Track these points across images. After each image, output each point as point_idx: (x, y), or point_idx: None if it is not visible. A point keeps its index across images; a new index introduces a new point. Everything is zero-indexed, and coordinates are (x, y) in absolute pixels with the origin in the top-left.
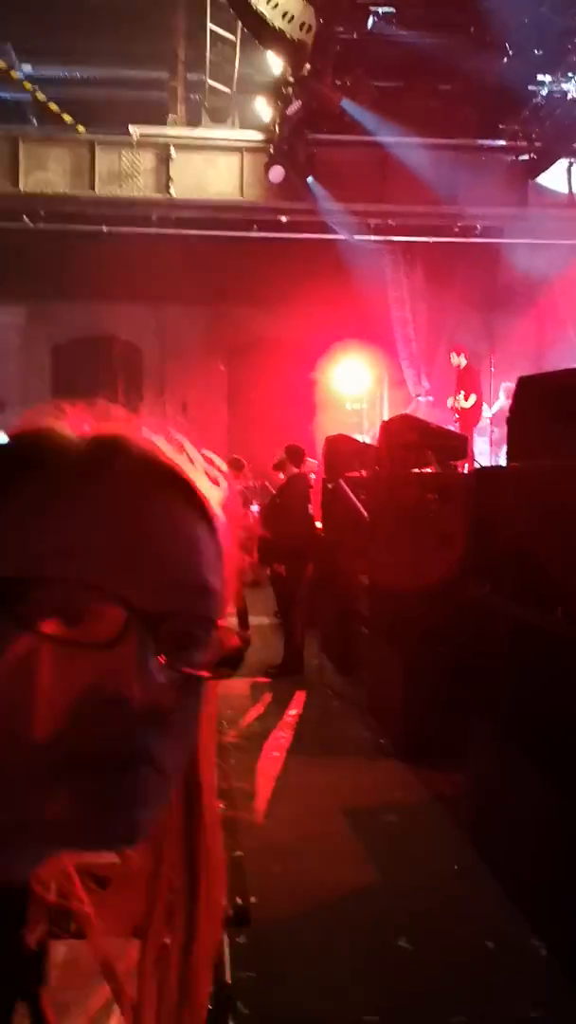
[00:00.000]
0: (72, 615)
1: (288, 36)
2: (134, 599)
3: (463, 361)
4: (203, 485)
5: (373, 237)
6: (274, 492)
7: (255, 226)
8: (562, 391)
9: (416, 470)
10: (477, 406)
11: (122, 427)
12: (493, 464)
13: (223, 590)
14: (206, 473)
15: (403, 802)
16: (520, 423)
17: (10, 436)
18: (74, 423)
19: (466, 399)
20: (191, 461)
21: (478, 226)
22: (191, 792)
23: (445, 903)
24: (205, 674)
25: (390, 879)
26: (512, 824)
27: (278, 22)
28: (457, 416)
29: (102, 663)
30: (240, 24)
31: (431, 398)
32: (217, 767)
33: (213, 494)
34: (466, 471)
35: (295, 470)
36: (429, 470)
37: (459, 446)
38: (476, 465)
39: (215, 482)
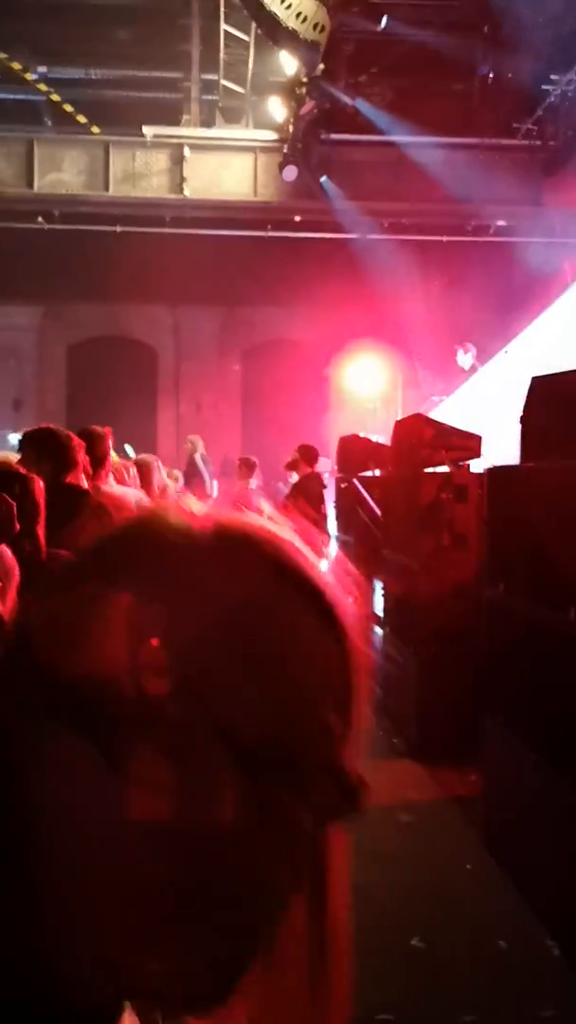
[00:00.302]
0: (169, 746)
1: (302, 36)
2: (243, 733)
3: (469, 360)
4: (339, 599)
5: (387, 236)
6: (287, 492)
7: (269, 226)
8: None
9: (430, 470)
10: None
11: (248, 520)
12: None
13: (349, 727)
14: (337, 580)
15: (417, 802)
16: (533, 422)
17: (132, 521)
18: (196, 514)
19: None
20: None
21: (492, 225)
22: (317, 919)
23: (458, 903)
24: (312, 821)
25: (403, 879)
26: (526, 824)
27: (291, 22)
28: None
29: (197, 802)
30: (254, 24)
31: (446, 397)
32: None
33: (348, 609)
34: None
35: (309, 470)
36: (443, 470)
37: (474, 446)
38: (488, 464)
39: (348, 592)
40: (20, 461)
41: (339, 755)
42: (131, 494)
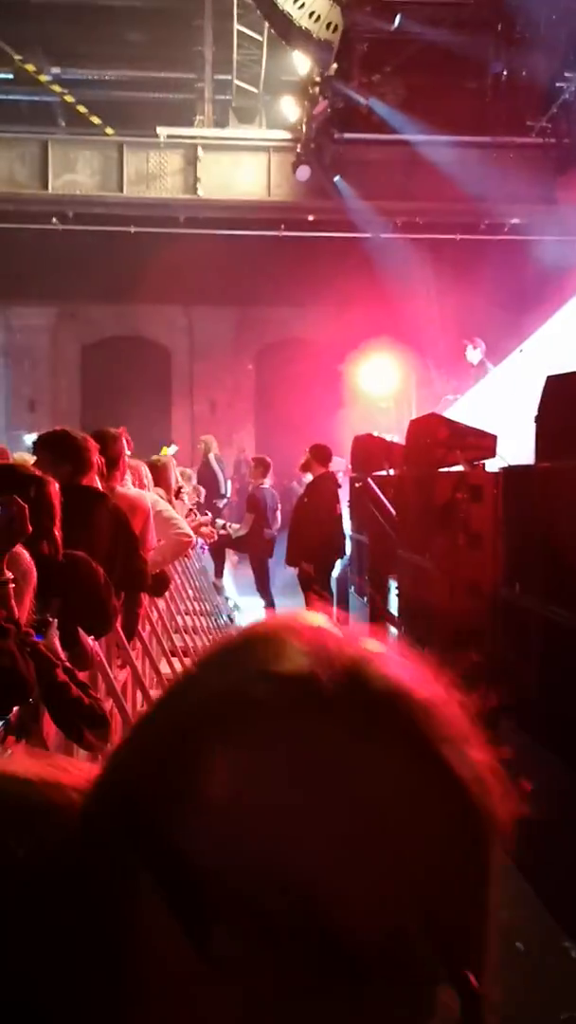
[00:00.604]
0: (256, 932)
1: (315, 36)
2: (345, 930)
3: (477, 356)
4: (472, 769)
5: (400, 235)
6: (302, 491)
7: (282, 225)
8: None
9: (445, 469)
10: None
11: (364, 650)
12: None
13: (476, 924)
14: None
15: None
16: (548, 422)
17: (252, 673)
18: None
19: None
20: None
21: (506, 223)
22: None
23: None
24: None
25: None
26: (543, 825)
27: (304, 22)
28: None
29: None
30: (267, 24)
31: (459, 396)
32: None
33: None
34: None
35: (322, 469)
36: (458, 469)
37: (489, 445)
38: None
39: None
40: (36, 463)
41: (463, 963)
42: (147, 496)
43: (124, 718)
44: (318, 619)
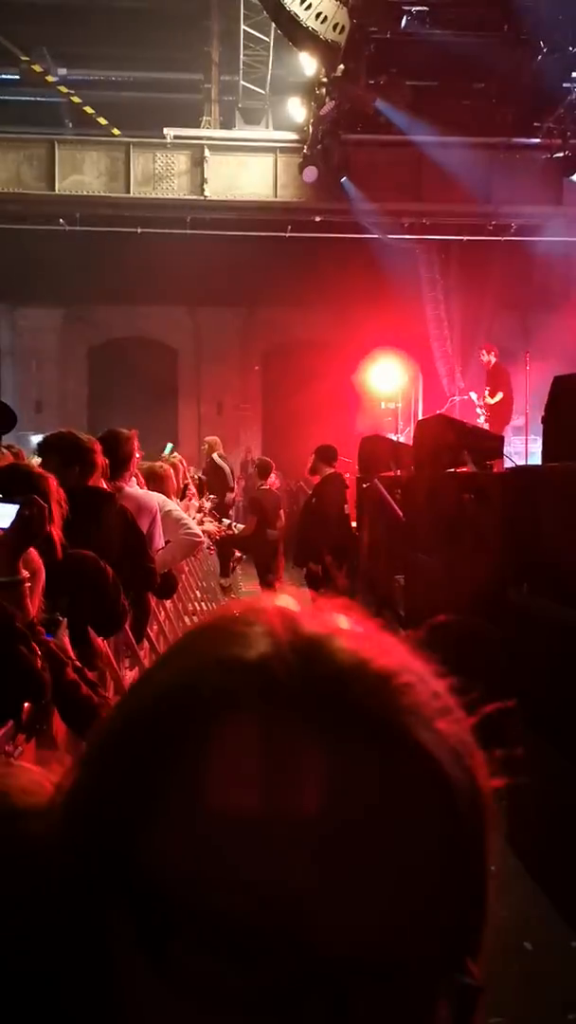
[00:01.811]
0: (226, 955)
1: (321, 37)
2: (323, 939)
3: (492, 359)
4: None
5: (407, 236)
6: (309, 492)
7: (289, 227)
8: None
9: (452, 470)
10: (506, 403)
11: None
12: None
13: (469, 918)
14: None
15: None
16: (556, 423)
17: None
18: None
19: (492, 396)
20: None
21: (513, 224)
22: None
23: None
24: None
25: None
26: (550, 825)
27: (311, 23)
28: (486, 413)
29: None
30: (273, 25)
31: (466, 396)
32: None
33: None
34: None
35: (329, 470)
36: (465, 470)
37: (495, 446)
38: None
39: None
40: (42, 465)
41: (453, 963)
42: (155, 496)
43: None
44: (284, 600)
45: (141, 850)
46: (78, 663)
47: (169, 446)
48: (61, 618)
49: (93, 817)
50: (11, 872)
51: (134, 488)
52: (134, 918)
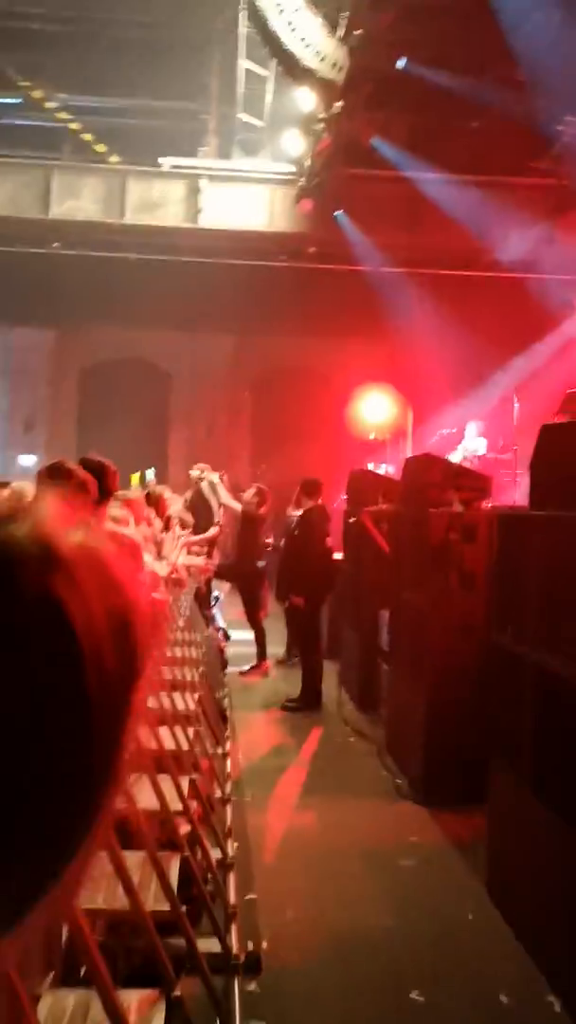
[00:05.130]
0: None
1: (320, 75)
2: None
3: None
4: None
5: (401, 270)
6: (293, 524)
7: (283, 257)
8: None
9: (438, 509)
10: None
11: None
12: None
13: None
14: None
15: (419, 847)
16: (543, 471)
17: None
18: None
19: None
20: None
21: (506, 261)
22: None
23: (459, 954)
24: None
25: (404, 927)
26: (529, 874)
27: (311, 61)
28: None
29: None
30: (273, 60)
31: (455, 429)
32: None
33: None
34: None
35: (311, 503)
36: (452, 510)
37: (483, 487)
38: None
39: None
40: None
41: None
42: (131, 533)
43: None
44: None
45: None
46: None
47: (150, 472)
48: None
49: None
50: None
51: (115, 526)
52: None
